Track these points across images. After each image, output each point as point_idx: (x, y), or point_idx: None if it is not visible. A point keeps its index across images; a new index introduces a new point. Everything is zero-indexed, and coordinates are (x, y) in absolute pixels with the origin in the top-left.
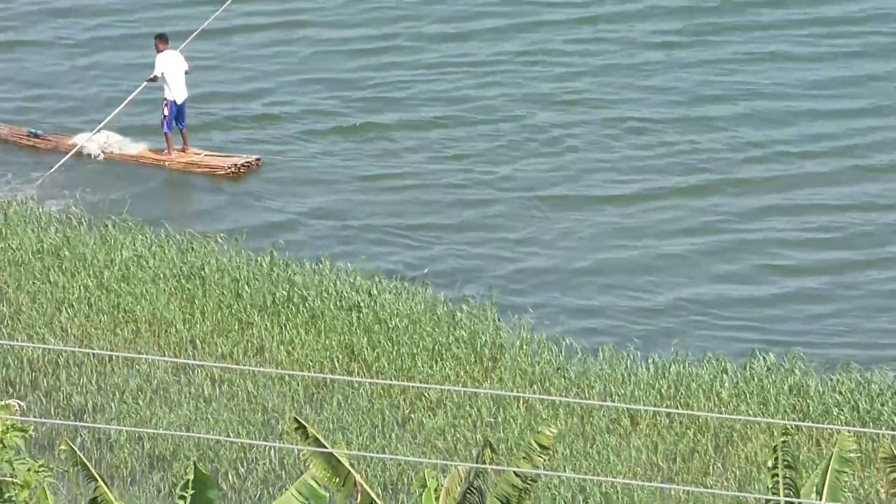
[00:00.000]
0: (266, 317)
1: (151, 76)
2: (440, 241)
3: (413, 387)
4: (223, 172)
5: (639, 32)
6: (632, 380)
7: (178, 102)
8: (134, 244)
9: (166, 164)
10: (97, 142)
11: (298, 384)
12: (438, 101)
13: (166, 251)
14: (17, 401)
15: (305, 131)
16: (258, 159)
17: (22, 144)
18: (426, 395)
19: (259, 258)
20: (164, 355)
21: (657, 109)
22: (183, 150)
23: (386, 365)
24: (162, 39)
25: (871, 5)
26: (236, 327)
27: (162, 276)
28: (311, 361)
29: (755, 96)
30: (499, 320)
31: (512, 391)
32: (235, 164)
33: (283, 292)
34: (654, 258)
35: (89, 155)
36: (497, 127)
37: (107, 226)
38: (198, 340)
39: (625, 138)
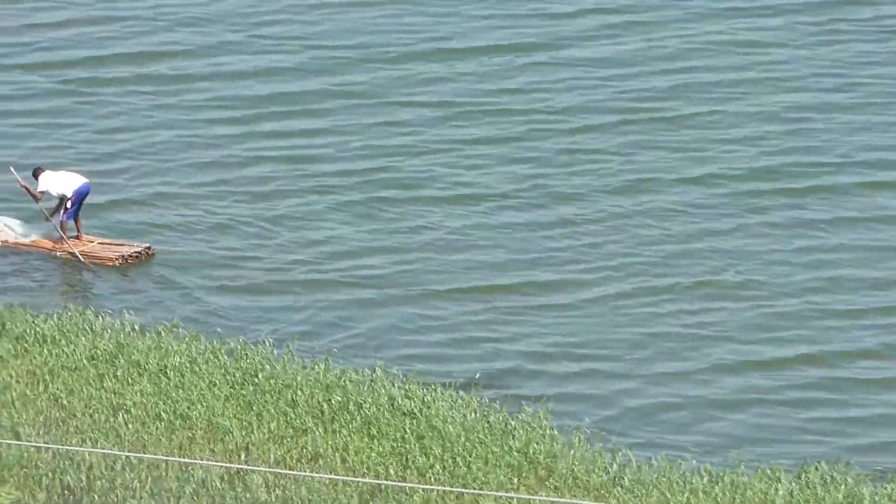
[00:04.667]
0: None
1: (37, 192)
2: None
3: (466, 493)
4: (111, 263)
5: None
6: (687, 487)
7: (78, 188)
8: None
9: (59, 253)
10: None
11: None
12: None
13: (219, 357)
14: None
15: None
16: (148, 248)
17: None
18: (479, 503)
19: (314, 364)
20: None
21: None
22: (77, 238)
23: (440, 471)
24: (39, 169)
25: None
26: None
27: (216, 382)
28: (367, 469)
29: None
30: (553, 430)
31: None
32: (123, 255)
33: (338, 398)
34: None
35: None
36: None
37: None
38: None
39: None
